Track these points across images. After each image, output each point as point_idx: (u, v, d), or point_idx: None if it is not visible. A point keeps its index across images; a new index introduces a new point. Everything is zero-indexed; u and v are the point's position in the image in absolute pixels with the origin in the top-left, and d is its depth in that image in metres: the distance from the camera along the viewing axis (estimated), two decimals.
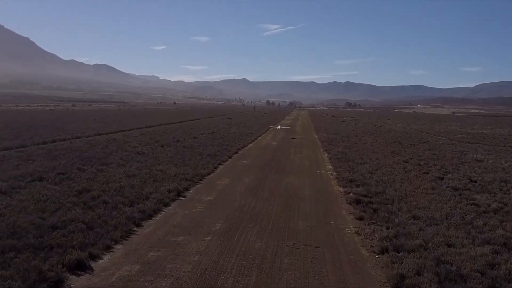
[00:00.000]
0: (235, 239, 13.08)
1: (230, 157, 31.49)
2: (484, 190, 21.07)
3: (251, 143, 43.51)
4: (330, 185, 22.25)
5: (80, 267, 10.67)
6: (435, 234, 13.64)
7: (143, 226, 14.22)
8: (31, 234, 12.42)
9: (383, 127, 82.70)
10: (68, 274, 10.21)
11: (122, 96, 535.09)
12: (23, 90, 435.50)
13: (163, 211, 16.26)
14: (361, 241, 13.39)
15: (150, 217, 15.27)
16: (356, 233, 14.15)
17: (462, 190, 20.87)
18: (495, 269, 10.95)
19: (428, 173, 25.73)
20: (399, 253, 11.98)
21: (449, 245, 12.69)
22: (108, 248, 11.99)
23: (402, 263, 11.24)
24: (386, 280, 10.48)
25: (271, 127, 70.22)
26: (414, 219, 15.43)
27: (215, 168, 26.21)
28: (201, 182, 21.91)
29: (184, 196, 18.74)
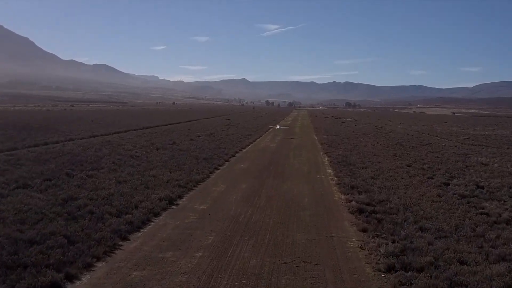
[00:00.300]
0: (229, 255, 12.03)
1: (227, 161, 30.44)
2: (492, 197, 20.03)
3: (249, 145, 42.46)
4: (331, 191, 21.20)
5: None
6: (445, 249, 12.59)
7: (129, 240, 13.16)
8: (5, 250, 11.38)
9: (383, 128, 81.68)
10: None
11: (121, 96, 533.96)
12: (22, 90, 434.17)
13: (153, 221, 15.20)
14: (365, 257, 12.34)
15: (138, 229, 14.21)
16: (360, 247, 13.10)
17: (470, 197, 19.83)
18: None
19: (432, 178, 24.69)
20: (408, 272, 10.92)
21: (461, 263, 11.64)
22: (88, 267, 10.93)
23: (411, 284, 10.20)
24: None
25: (270, 127, 69.52)
26: (422, 231, 14.38)
27: (211, 173, 25.15)
28: (195, 188, 20.85)
29: (177, 205, 17.68)
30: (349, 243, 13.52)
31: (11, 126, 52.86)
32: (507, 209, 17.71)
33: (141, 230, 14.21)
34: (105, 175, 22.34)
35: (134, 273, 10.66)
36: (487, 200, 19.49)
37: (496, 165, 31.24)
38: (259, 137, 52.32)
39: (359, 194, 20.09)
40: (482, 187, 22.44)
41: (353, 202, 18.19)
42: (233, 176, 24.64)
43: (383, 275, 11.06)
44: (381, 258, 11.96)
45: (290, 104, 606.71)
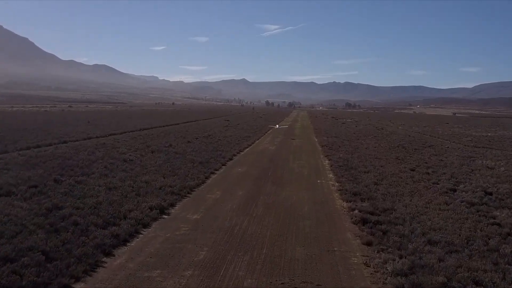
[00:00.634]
0: (221, 274, 10.97)
1: (224, 165, 29.37)
2: (503, 205, 18.96)
3: (247, 147, 41.40)
4: (332, 198, 20.13)
5: None
6: (458, 266, 11.54)
7: (114, 256, 12.10)
8: None
9: (384, 129, 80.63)
10: None
11: (120, 96, 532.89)
12: (21, 90, 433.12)
13: (141, 234, 14.14)
14: (371, 275, 11.28)
15: (124, 243, 13.15)
16: (365, 264, 12.04)
17: (479, 205, 18.76)
18: None
19: (438, 184, 23.63)
20: None
21: (477, 283, 10.57)
22: None
23: None
24: None
25: (270, 127, 69.38)
26: (431, 245, 13.33)
27: (207, 178, 24.08)
28: (189, 195, 19.79)
29: (168, 214, 16.63)
30: (353, 258, 12.46)
31: (5, 128, 51.82)
32: None
33: (128, 244, 13.15)
34: (95, 181, 21.28)
35: None
36: (497, 208, 18.43)
37: (502, 168, 30.19)
38: (257, 139, 51.26)
39: (361, 201, 19.04)
40: (491, 194, 21.38)
41: (356, 211, 17.13)
42: (229, 181, 23.57)
43: None
44: (388, 278, 10.91)
45: (290, 104, 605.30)
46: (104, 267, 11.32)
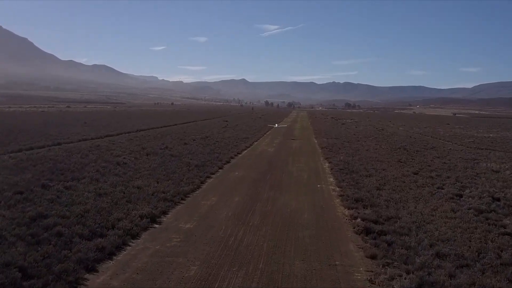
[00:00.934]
0: None
1: (220, 168, 28.42)
2: None
3: (245, 149, 40.44)
4: (333, 205, 19.19)
5: None
6: (471, 283, 10.64)
7: (97, 272, 11.17)
8: None
9: (385, 130, 79.69)
10: None
11: (119, 97, 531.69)
12: (20, 90, 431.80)
13: (130, 246, 13.22)
14: None
15: (110, 256, 12.23)
16: (369, 280, 11.11)
17: (487, 212, 17.86)
18: None
19: (443, 188, 22.71)
20: None
21: None
22: None
23: None
24: None
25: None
26: (439, 258, 12.42)
27: (202, 182, 23.13)
28: (183, 202, 18.85)
29: (160, 223, 15.69)
30: (356, 274, 11.54)
31: (0, 129, 50.85)
32: None
33: (114, 257, 12.23)
34: (85, 186, 20.34)
35: None
36: (506, 216, 17.51)
37: (508, 172, 29.28)
38: (256, 141, 50.31)
39: (364, 208, 18.12)
40: (498, 199, 20.48)
41: (359, 220, 16.19)
42: (225, 186, 22.62)
43: None
44: None
45: (290, 104, 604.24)
46: (85, 285, 10.40)
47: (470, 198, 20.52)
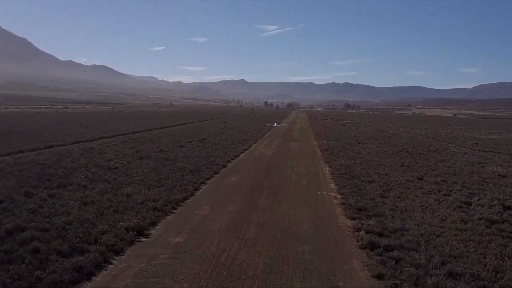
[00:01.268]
0: None
1: (216, 173, 27.20)
2: None
3: (243, 152, 39.23)
4: (334, 215, 17.99)
5: None
6: None
7: None
8: None
9: (386, 131, 78.51)
10: None
11: (118, 97, 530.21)
12: (19, 91, 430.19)
13: (112, 264, 12.02)
14: None
15: (88, 277, 11.03)
16: None
17: (500, 223, 16.68)
18: None
19: (450, 195, 21.54)
20: None
21: None
22: None
23: None
24: None
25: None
26: (453, 278, 11.25)
27: (196, 189, 21.91)
28: (174, 211, 17.64)
29: (147, 236, 14.49)
30: None
31: None
32: None
33: (93, 278, 11.03)
34: (71, 194, 19.13)
35: None
36: None
37: None
38: (254, 143, 49.09)
39: (368, 218, 16.95)
40: (509, 208, 19.32)
41: (362, 232, 15.02)
42: (220, 193, 21.41)
43: None
44: None
45: (289, 105, 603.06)
46: None
47: (480, 207, 19.36)
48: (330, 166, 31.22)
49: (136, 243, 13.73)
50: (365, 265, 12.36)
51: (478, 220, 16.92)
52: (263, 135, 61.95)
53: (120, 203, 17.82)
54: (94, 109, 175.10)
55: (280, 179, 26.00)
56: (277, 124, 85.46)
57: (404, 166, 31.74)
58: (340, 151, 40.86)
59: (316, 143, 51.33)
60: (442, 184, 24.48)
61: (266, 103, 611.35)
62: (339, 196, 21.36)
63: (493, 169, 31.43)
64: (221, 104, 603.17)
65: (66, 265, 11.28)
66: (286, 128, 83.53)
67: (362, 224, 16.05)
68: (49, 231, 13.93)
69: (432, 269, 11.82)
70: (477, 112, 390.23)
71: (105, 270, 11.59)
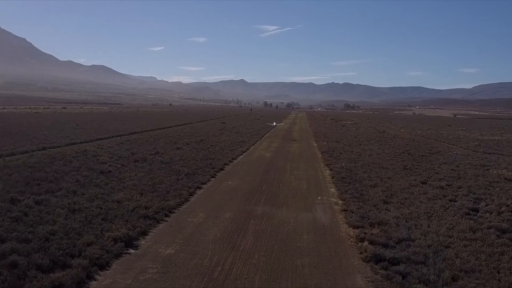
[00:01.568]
0: None
1: (213, 177, 26.29)
2: None
3: (241, 154, 38.32)
4: (336, 222, 17.07)
5: None
6: None
7: None
8: None
9: (386, 132, 77.60)
10: None
11: (118, 97, 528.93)
12: (18, 91, 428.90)
13: (96, 279, 11.11)
14: None
15: None
16: None
17: (511, 232, 15.76)
18: None
19: (455, 201, 20.64)
20: None
21: None
22: None
23: None
24: None
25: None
26: None
27: (191, 194, 21.00)
28: (167, 219, 16.72)
29: (136, 247, 13.57)
30: None
31: None
32: None
33: None
34: (60, 200, 18.21)
35: None
36: None
37: None
38: (253, 144, 48.18)
39: (371, 227, 16.03)
40: None
41: (366, 243, 14.11)
42: (216, 199, 20.48)
43: None
44: None
45: (289, 105, 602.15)
46: None
47: (488, 214, 18.46)
48: (330, 169, 30.33)
49: (124, 255, 12.81)
50: (369, 281, 11.45)
51: (488, 229, 16.00)
52: (262, 136, 61.07)
53: (110, 210, 16.90)
54: (93, 109, 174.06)
55: (279, 184, 25.08)
56: (277, 123, 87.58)
57: (407, 169, 30.84)
58: (340, 153, 39.95)
59: (316, 145, 50.43)
60: (447, 189, 23.56)
61: (265, 103, 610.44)
62: (340, 202, 20.46)
63: (498, 172, 30.52)
64: (220, 104, 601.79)
65: (45, 283, 10.37)
66: (285, 129, 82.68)
67: (365, 233, 15.15)
68: (31, 242, 13.01)
69: (443, 286, 10.92)
70: (477, 113, 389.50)
71: (88, 286, 10.67)
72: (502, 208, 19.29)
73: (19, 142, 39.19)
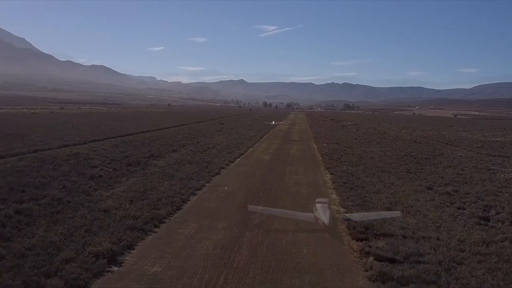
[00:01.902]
0: None
1: (208, 182, 25.11)
2: None
3: (239, 157, 37.12)
4: (338, 234, 15.88)
5: None
6: None
7: None
8: None
9: (387, 133, 76.42)
10: None
11: (117, 97, 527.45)
12: (16, 91, 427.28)
13: None
14: None
15: None
16: None
17: None
18: None
19: (464, 209, 19.49)
20: None
21: None
22: None
23: None
24: None
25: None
26: None
27: (184, 202, 19.84)
28: (156, 230, 15.56)
29: (120, 264, 12.40)
30: None
31: None
32: None
33: None
34: (43, 208, 17.03)
35: None
36: None
37: None
38: (251, 146, 47.02)
39: (376, 239, 14.87)
40: None
41: (371, 258, 12.95)
42: (210, 207, 19.31)
43: None
44: None
45: (288, 105, 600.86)
46: None
47: (500, 223, 17.31)
48: (331, 173, 29.18)
49: (106, 274, 11.67)
50: None
51: (502, 242, 14.83)
52: (261, 137, 59.90)
53: (95, 221, 15.74)
54: (91, 109, 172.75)
55: (278, 189, 23.91)
56: (275, 122, 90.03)
57: (411, 173, 29.67)
58: (341, 156, 38.78)
59: (316, 146, 49.28)
60: (454, 195, 22.40)
61: (265, 103, 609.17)
62: (342, 210, 19.29)
63: (505, 176, 29.37)
64: (219, 104, 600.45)
65: None
66: (285, 130, 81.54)
67: (370, 246, 13.99)
68: (4, 259, 11.85)
69: None
70: (477, 113, 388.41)
71: None
72: None
73: (12, 144, 37.93)
